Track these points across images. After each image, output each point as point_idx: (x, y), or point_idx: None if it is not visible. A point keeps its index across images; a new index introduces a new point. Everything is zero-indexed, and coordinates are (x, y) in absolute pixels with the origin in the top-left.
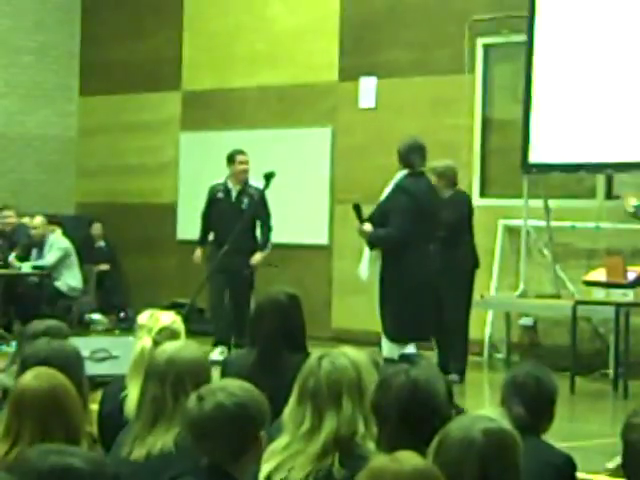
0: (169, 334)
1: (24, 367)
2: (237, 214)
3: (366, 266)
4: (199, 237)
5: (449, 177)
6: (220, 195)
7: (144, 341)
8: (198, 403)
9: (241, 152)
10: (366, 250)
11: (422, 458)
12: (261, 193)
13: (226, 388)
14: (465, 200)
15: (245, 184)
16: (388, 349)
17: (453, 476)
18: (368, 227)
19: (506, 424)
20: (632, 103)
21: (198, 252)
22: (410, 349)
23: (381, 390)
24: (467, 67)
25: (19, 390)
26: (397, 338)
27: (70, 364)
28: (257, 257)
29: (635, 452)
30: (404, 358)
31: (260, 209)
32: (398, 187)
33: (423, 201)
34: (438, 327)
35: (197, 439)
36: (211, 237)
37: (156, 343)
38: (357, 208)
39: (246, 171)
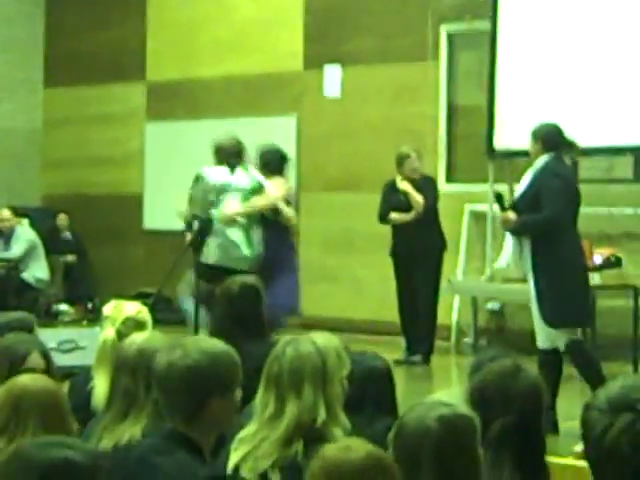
0: (133, 325)
1: None
2: None
3: (508, 255)
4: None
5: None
6: None
7: (107, 332)
8: (161, 357)
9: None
10: (508, 239)
11: (373, 445)
12: None
13: (185, 347)
14: (435, 183)
15: None
16: (544, 339)
17: (411, 464)
18: (512, 215)
19: (462, 408)
20: (596, 88)
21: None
22: (577, 334)
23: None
24: (431, 54)
25: (19, 391)
26: (560, 324)
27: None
28: None
29: (589, 428)
30: (575, 344)
31: None
32: (546, 170)
33: (571, 184)
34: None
35: (158, 393)
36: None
37: (120, 334)
38: (499, 197)
39: None
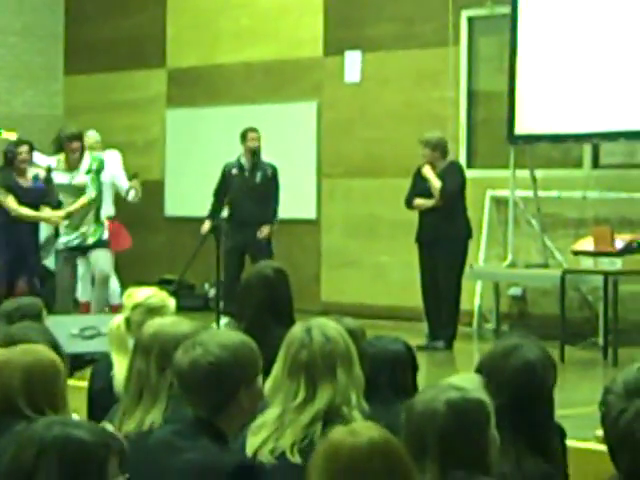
0: (144, 310)
1: None
2: (251, 188)
3: None
4: (209, 211)
5: (443, 148)
6: (234, 171)
7: (116, 319)
8: (181, 356)
9: (252, 129)
10: None
11: (380, 429)
12: (274, 169)
13: (205, 344)
14: (460, 169)
15: (258, 160)
16: None
17: (417, 448)
18: None
19: (475, 393)
20: (617, 72)
21: (206, 225)
22: None
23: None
24: (452, 39)
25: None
26: None
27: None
28: (263, 230)
29: (606, 412)
30: None
31: (271, 184)
32: None
33: None
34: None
35: (181, 390)
36: (225, 213)
37: (128, 321)
38: None
39: (257, 147)
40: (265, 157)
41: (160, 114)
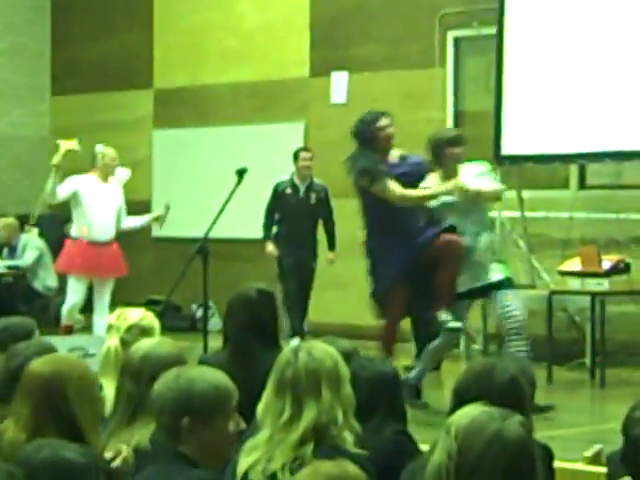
0: (138, 332)
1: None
2: (306, 209)
3: None
4: (264, 231)
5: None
6: (288, 191)
7: (111, 341)
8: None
9: (305, 149)
10: None
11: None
12: (326, 190)
13: (167, 375)
14: None
15: (311, 181)
16: None
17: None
18: None
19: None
20: (603, 93)
21: (270, 246)
22: None
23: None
24: (438, 60)
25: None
26: None
27: None
28: (331, 257)
29: (637, 447)
30: None
31: (325, 205)
32: None
33: None
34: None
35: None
36: (274, 231)
37: (124, 342)
38: None
39: (309, 167)
40: (251, 177)
41: (147, 134)
